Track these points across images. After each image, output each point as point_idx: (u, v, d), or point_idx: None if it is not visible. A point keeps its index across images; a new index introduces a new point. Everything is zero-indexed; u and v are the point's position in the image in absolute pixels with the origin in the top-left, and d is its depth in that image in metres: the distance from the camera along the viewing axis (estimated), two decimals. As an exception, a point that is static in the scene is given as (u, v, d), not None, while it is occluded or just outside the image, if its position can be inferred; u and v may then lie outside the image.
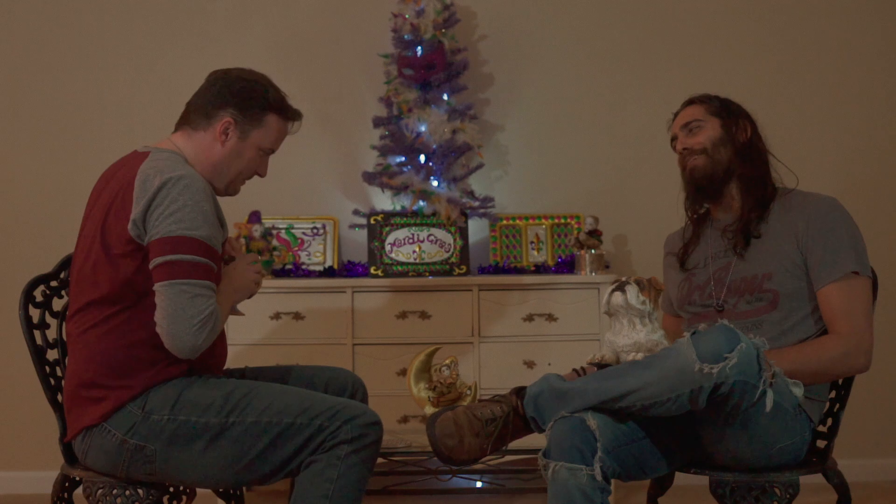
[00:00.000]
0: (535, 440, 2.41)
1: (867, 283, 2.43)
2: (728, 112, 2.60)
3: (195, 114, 2.42)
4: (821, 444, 2.49)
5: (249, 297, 2.48)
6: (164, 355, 2.27)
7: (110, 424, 2.27)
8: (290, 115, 2.49)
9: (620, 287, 2.32)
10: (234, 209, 3.79)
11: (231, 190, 2.49)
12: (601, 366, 2.33)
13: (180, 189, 2.24)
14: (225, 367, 2.53)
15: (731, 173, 2.55)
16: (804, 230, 2.46)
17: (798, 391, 2.28)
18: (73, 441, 2.35)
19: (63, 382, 2.42)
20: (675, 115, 2.69)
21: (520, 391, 2.34)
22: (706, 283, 2.55)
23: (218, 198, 2.44)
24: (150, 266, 2.23)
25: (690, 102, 2.65)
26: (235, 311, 2.47)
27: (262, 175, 2.51)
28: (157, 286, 2.22)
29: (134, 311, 2.27)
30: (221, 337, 2.46)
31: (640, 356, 2.27)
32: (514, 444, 2.37)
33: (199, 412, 2.25)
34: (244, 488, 2.70)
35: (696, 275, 2.58)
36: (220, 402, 2.26)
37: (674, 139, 2.65)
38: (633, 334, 2.31)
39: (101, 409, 2.27)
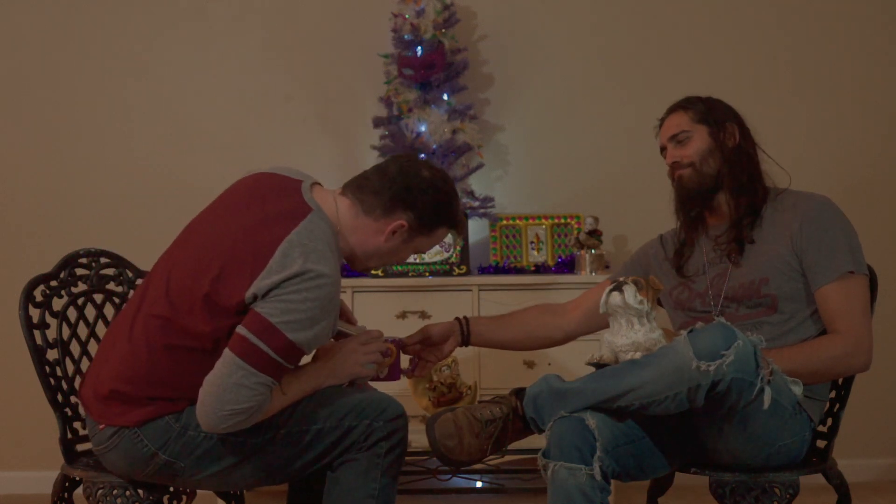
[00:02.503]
0: (535, 440, 2.41)
1: (864, 281, 2.43)
2: (714, 118, 2.56)
3: (373, 197, 2.28)
4: (821, 443, 2.49)
5: (353, 382, 2.39)
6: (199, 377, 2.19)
7: (145, 434, 2.22)
8: (459, 228, 2.43)
9: (618, 287, 2.32)
10: (234, 209, 3.79)
11: (368, 270, 2.45)
12: (600, 366, 2.33)
13: (310, 287, 2.12)
14: None
15: (721, 182, 2.53)
16: (798, 231, 2.45)
17: (797, 389, 2.28)
18: (94, 432, 2.29)
19: (96, 365, 2.32)
20: (661, 121, 2.66)
21: (519, 392, 2.35)
22: (705, 292, 2.55)
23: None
24: (237, 328, 2.14)
25: (675, 109, 2.63)
26: (355, 385, 2.39)
27: (399, 264, 2.45)
28: (226, 350, 2.14)
29: (210, 355, 2.18)
30: None
31: (638, 356, 2.27)
32: (513, 445, 2.37)
33: (241, 431, 2.20)
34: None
35: (695, 282, 2.57)
36: (266, 422, 2.21)
37: (662, 149, 2.63)
38: (631, 334, 2.30)
39: (141, 415, 2.22)
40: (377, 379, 2.52)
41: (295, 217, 2.21)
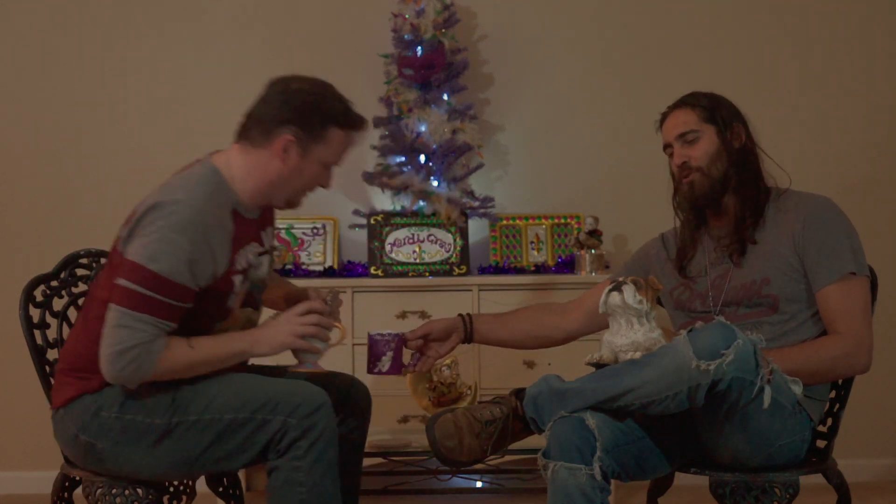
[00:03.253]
0: (535, 440, 2.41)
1: (865, 282, 2.43)
2: (721, 117, 2.54)
3: (254, 129, 2.30)
4: (821, 443, 2.49)
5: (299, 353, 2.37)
6: None
7: (68, 414, 2.27)
8: (355, 126, 2.37)
9: (617, 287, 2.32)
10: (234, 209, 3.80)
11: (292, 204, 2.41)
12: (599, 366, 2.33)
13: (163, 215, 2.16)
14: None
15: (727, 184, 2.52)
16: (800, 232, 2.45)
17: (797, 389, 2.28)
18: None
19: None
20: (664, 116, 2.64)
21: (519, 392, 2.34)
22: (706, 293, 2.55)
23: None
24: None
25: (680, 105, 2.60)
26: (307, 368, 2.36)
27: (326, 187, 2.42)
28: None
29: None
30: None
31: (638, 355, 2.27)
32: (513, 445, 2.37)
33: (145, 412, 2.23)
34: (244, 488, 2.70)
35: (696, 283, 2.57)
36: (167, 402, 2.23)
37: (667, 146, 2.61)
38: (630, 334, 2.30)
39: (66, 395, 2.29)
40: (379, 373, 2.51)
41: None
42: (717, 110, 2.55)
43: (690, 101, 2.59)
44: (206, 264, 2.20)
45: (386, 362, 2.49)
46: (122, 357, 2.14)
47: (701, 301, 2.54)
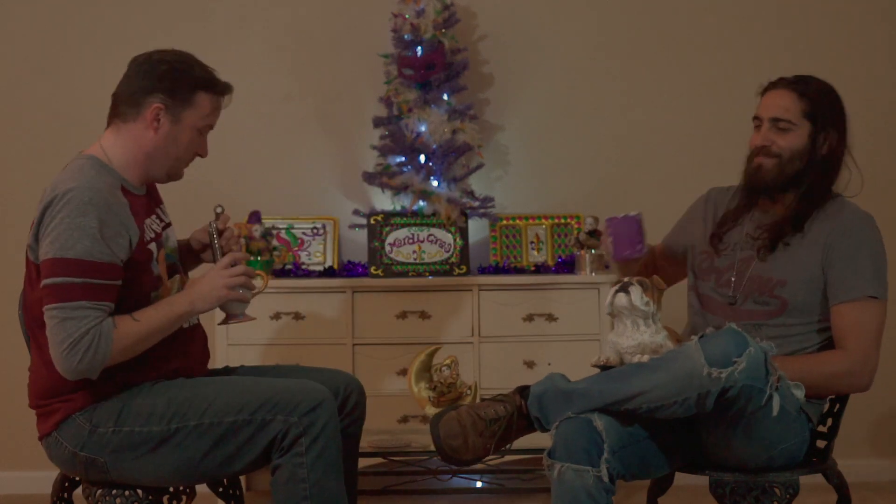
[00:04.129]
0: (536, 440, 2.41)
1: (882, 307, 2.42)
2: (822, 118, 2.48)
3: (123, 105, 2.34)
4: (820, 444, 2.49)
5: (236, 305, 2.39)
6: (115, 369, 2.25)
7: (62, 436, 2.28)
8: (219, 89, 2.39)
9: (624, 288, 2.31)
10: (235, 209, 3.78)
11: (173, 176, 2.42)
12: (605, 368, 2.33)
13: (60, 206, 2.18)
14: (219, 366, 2.53)
15: (794, 184, 2.49)
16: (830, 244, 2.44)
17: (799, 393, 2.29)
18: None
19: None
20: (771, 85, 2.55)
21: (523, 390, 2.34)
22: (728, 269, 2.54)
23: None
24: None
25: (790, 87, 2.51)
26: (239, 319, 2.40)
27: (203, 155, 2.43)
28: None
29: None
30: (197, 338, 2.44)
31: (645, 358, 2.27)
32: (515, 444, 2.37)
33: (141, 421, 2.24)
34: (244, 488, 2.70)
35: (721, 257, 2.56)
36: (163, 409, 2.24)
37: (757, 119, 2.54)
38: (636, 335, 2.30)
39: (52, 421, 2.30)
40: (634, 255, 2.53)
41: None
42: (822, 109, 2.49)
43: (802, 88, 2.51)
44: (121, 237, 2.23)
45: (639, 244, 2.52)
46: (77, 348, 2.14)
47: (716, 278, 2.53)
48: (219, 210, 2.48)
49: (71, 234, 2.16)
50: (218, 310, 2.42)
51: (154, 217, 2.41)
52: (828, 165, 2.51)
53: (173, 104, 2.32)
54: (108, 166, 2.32)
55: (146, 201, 2.41)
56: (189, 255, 2.59)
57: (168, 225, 2.48)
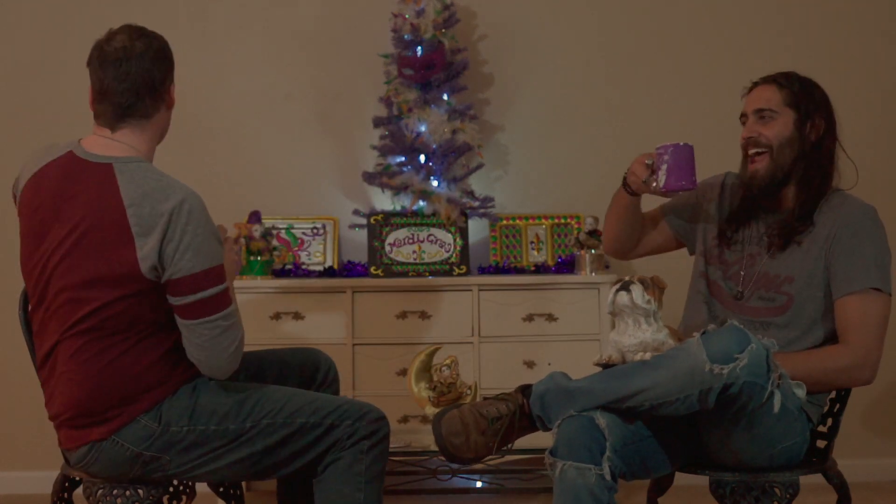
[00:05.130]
0: (536, 440, 2.41)
1: (886, 300, 2.42)
2: (805, 105, 2.49)
3: (144, 101, 2.27)
4: (821, 444, 2.49)
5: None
6: (169, 369, 2.26)
7: (121, 438, 2.24)
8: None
9: (625, 287, 2.31)
10: (235, 209, 3.79)
11: None
12: (607, 366, 2.33)
13: (186, 216, 2.17)
14: None
15: (791, 175, 2.49)
16: (834, 236, 2.43)
17: (801, 392, 2.28)
18: (69, 452, 2.32)
19: (49, 402, 2.33)
20: (753, 84, 2.58)
21: (525, 389, 2.33)
22: (736, 263, 2.53)
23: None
24: (175, 303, 2.20)
25: (770, 81, 2.55)
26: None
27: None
28: (187, 324, 2.21)
29: (147, 342, 2.24)
30: None
31: (647, 356, 2.27)
32: (516, 444, 2.37)
33: (217, 420, 2.27)
34: (244, 488, 2.70)
35: (731, 250, 2.56)
36: (236, 409, 2.29)
37: (743, 116, 2.56)
38: (638, 334, 2.30)
39: (110, 427, 2.24)
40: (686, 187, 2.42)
41: (105, 180, 2.20)
42: (802, 97, 2.50)
43: (782, 80, 2.54)
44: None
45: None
46: (239, 350, 2.29)
47: (724, 269, 2.53)
48: None
49: (209, 244, 2.21)
50: None
51: None
52: (820, 152, 2.50)
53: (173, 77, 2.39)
54: (150, 159, 2.35)
55: None
56: None
57: None
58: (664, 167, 2.43)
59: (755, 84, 2.59)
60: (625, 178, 2.59)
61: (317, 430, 2.32)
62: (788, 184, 2.50)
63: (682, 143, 2.44)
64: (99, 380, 2.22)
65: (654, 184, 2.46)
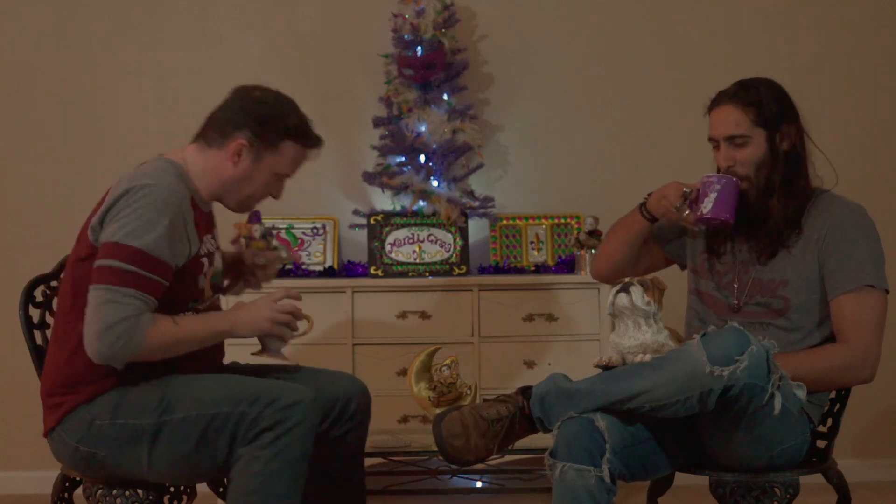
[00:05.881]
0: (536, 440, 2.41)
1: (882, 297, 2.41)
2: (772, 119, 2.46)
3: (212, 129, 2.38)
4: (821, 444, 2.49)
5: (268, 339, 2.39)
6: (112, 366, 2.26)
7: (65, 430, 2.28)
8: (309, 142, 2.42)
9: (625, 288, 2.31)
10: (234, 209, 3.79)
11: (244, 207, 2.46)
12: (607, 368, 2.33)
13: (139, 196, 2.21)
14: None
15: (772, 190, 2.46)
16: (824, 237, 2.42)
17: (801, 393, 2.28)
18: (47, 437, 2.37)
19: None
20: (714, 103, 2.53)
21: (525, 391, 2.33)
22: (729, 272, 2.53)
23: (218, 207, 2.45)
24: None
25: (732, 101, 2.48)
26: (273, 355, 2.37)
27: (276, 197, 2.45)
28: (90, 287, 2.21)
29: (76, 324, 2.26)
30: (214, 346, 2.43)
31: (647, 357, 2.27)
32: (516, 444, 2.37)
33: (135, 414, 2.23)
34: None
35: (722, 261, 2.55)
36: (156, 402, 2.23)
37: (713, 140, 2.53)
38: (638, 335, 2.30)
39: (58, 414, 2.29)
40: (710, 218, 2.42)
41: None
42: (767, 110, 2.46)
43: (743, 97, 2.47)
44: (183, 243, 2.27)
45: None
46: (111, 332, 2.16)
47: (717, 280, 2.53)
48: (272, 234, 2.53)
49: (140, 225, 2.19)
50: (256, 339, 2.41)
51: (209, 236, 2.44)
52: (794, 157, 2.48)
53: (258, 144, 2.35)
54: (186, 176, 2.36)
55: (208, 218, 2.46)
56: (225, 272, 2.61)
57: (218, 249, 2.50)
58: (713, 195, 2.42)
59: (715, 102, 2.53)
60: (643, 203, 2.57)
61: (231, 421, 2.20)
62: (772, 196, 2.47)
63: (726, 176, 2.44)
64: (58, 359, 2.30)
65: (689, 211, 2.45)
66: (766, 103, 2.47)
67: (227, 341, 2.47)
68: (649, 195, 2.56)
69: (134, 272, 2.18)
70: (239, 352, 3.55)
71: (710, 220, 2.44)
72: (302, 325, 2.42)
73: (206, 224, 2.42)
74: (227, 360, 2.57)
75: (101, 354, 2.18)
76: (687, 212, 2.46)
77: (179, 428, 2.22)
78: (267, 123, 2.35)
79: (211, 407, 2.22)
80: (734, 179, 2.43)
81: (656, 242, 2.68)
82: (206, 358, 2.41)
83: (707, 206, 2.42)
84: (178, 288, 2.28)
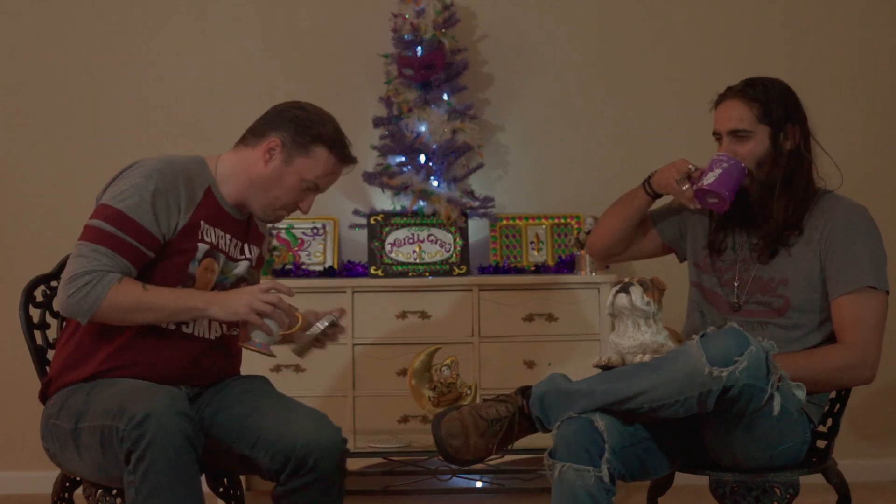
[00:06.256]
0: (536, 440, 2.41)
1: (883, 298, 2.41)
2: (777, 117, 2.46)
3: (250, 134, 2.43)
4: (821, 444, 2.49)
5: (244, 324, 2.31)
6: (83, 353, 2.30)
7: (43, 423, 2.35)
8: (341, 154, 2.41)
9: (624, 288, 2.31)
10: (234, 209, 3.79)
11: (268, 215, 2.44)
12: (607, 368, 2.33)
13: (132, 169, 2.31)
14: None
15: (773, 188, 2.46)
16: (826, 238, 2.42)
17: (801, 393, 2.28)
18: None
19: None
20: (721, 98, 2.54)
21: (525, 391, 2.33)
22: (729, 269, 2.53)
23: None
24: None
25: (739, 96, 2.48)
26: (254, 347, 2.27)
27: (303, 211, 2.44)
28: None
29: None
30: (222, 352, 2.42)
31: (646, 358, 2.27)
32: (515, 444, 2.36)
33: (66, 417, 2.25)
34: (244, 488, 2.70)
35: (723, 258, 2.55)
36: (79, 407, 2.21)
37: (716, 134, 2.53)
38: (638, 335, 2.30)
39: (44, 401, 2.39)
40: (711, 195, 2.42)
41: None
42: (773, 108, 2.46)
43: (750, 94, 2.48)
44: (171, 214, 2.28)
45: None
46: (74, 282, 2.18)
47: (718, 277, 2.53)
48: (338, 322, 2.47)
49: (126, 190, 2.25)
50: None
51: (232, 239, 2.42)
52: (797, 157, 2.48)
53: (291, 145, 2.38)
54: (209, 170, 2.40)
55: (238, 227, 2.44)
56: None
57: (248, 260, 2.46)
58: (718, 171, 2.43)
59: (722, 97, 2.54)
60: (647, 180, 2.60)
61: (114, 437, 2.10)
62: (774, 196, 2.47)
63: (741, 162, 2.45)
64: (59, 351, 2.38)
65: (688, 186, 2.48)
66: (771, 101, 2.47)
67: (244, 353, 2.43)
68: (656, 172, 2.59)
69: (111, 232, 2.22)
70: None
71: (707, 193, 2.44)
72: (286, 320, 2.31)
73: (234, 228, 2.41)
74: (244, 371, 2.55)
75: (62, 304, 2.21)
76: (686, 186, 2.49)
77: (86, 436, 2.20)
78: (303, 128, 2.39)
79: (99, 418, 2.15)
80: (742, 164, 2.44)
81: (658, 230, 2.70)
82: (216, 366, 2.41)
83: (709, 179, 2.43)
84: (164, 264, 2.29)
